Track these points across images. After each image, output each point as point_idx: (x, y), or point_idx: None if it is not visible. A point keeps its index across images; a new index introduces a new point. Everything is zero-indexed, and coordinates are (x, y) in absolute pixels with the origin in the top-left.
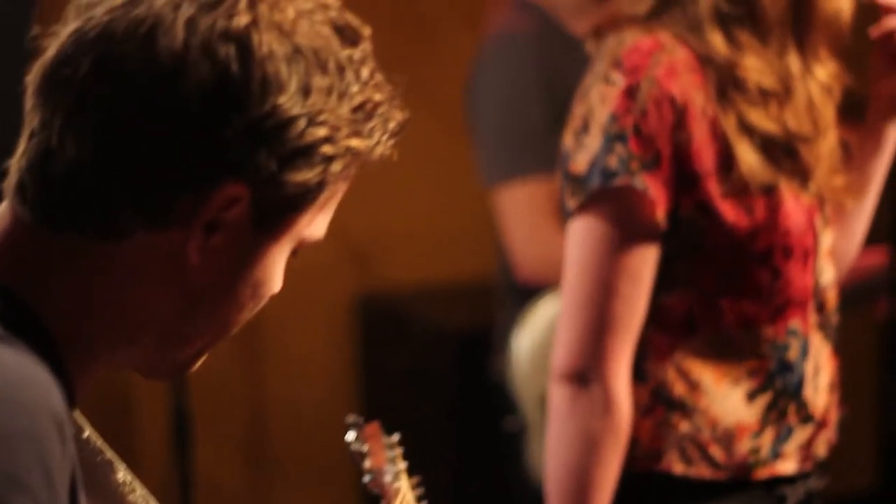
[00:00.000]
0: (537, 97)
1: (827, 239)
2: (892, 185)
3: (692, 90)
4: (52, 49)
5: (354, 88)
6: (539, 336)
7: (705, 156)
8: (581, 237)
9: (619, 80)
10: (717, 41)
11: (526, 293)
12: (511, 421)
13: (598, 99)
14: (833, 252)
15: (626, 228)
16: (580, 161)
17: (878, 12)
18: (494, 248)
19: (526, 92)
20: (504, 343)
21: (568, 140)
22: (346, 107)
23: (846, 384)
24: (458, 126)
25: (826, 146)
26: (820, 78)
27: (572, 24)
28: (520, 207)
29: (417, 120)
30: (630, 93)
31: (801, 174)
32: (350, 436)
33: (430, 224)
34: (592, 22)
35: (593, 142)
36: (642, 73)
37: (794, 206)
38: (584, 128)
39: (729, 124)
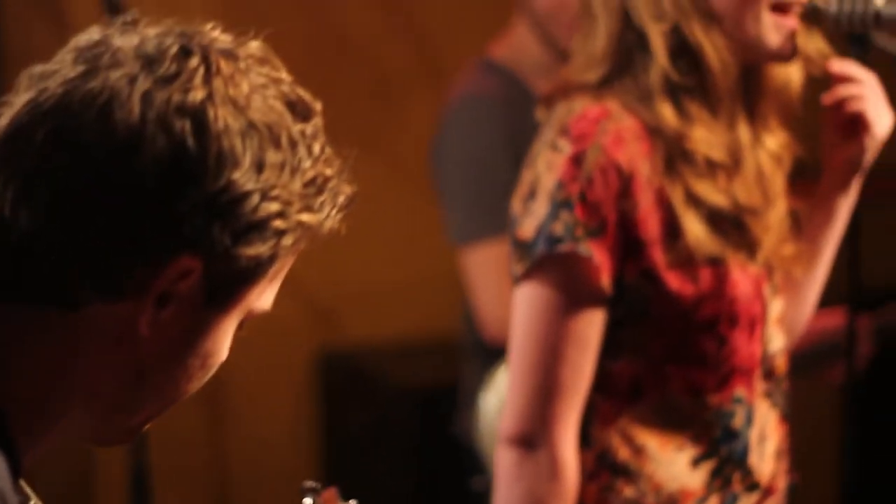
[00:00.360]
0: (504, 158)
1: (776, 307)
2: (850, 246)
3: (639, 159)
4: (4, 118)
5: (306, 164)
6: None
7: (651, 224)
8: (527, 303)
9: (567, 148)
10: (666, 112)
11: (492, 352)
12: (478, 481)
13: (546, 166)
14: (783, 319)
15: (572, 294)
16: (527, 227)
17: (829, 82)
18: (461, 305)
19: (493, 153)
20: (469, 401)
21: (516, 206)
22: (298, 182)
23: (808, 448)
24: (421, 183)
25: (775, 216)
26: (770, 148)
27: (538, 86)
28: (486, 268)
29: (380, 177)
30: (577, 160)
31: (749, 246)
32: (307, 502)
33: (391, 280)
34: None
35: (540, 208)
36: (589, 140)
37: (740, 276)
38: (532, 194)
39: (676, 195)
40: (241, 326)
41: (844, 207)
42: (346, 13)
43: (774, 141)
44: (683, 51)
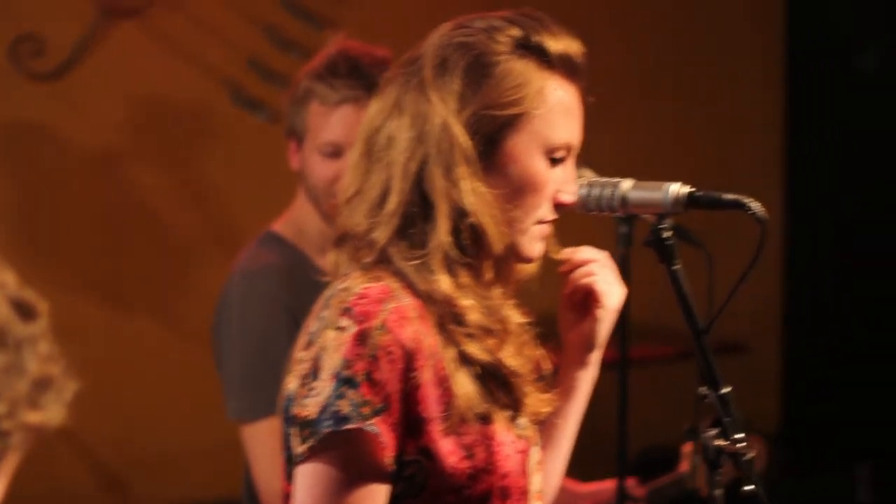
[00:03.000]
0: (285, 332)
1: (536, 482)
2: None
3: (421, 336)
4: None
5: (32, 365)
6: None
7: (431, 400)
8: (311, 481)
9: (351, 327)
10: (442, 281)
11: None
12: None
13: (329, 345)
14: (540, 495)
15: (357, 472)
16: (310, 405)
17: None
18: (242, 478)
19: (273, 327)
20: None
21: (292, 384)
22: (24, 382)
23: None
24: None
25: (534, 381)
26: (520, 320)
27: (319, 260)
28: (264, 442)
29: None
30: (361, 339)
31: (514, 406)
32: None
33: (180, 446)
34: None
35: (324, 386)
36: (373, 319)
37: (509, 447)
38: (314, 373)
39: (448, 357)
40: None
41: (585, 383)
42: (140, 180)
43: (518, 314)
44: (468, 228)
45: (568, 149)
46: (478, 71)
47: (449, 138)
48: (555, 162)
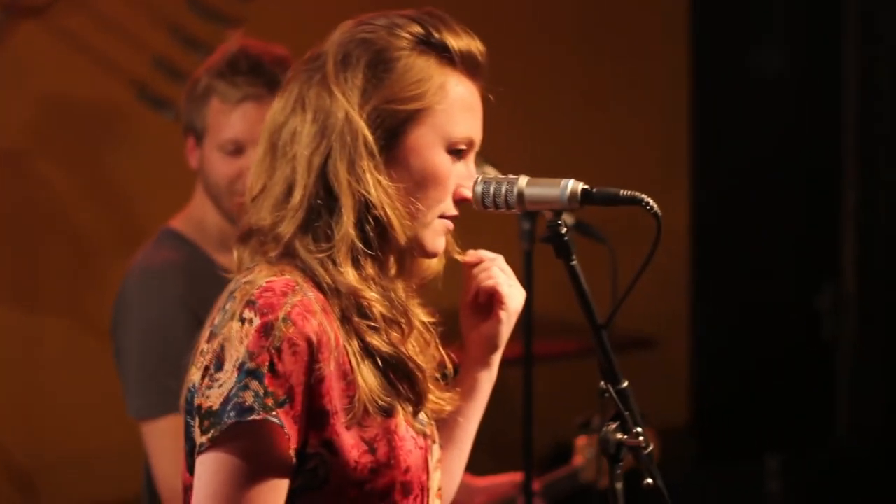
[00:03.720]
0: (184, 329)
1: (437, 479)
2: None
3: (325, 329)
4: None
5: None
6: None
7: (335, 393)
8: (212, 470)
9: (255, 319)
10: (348, 273)
11: None
12: None
13: (233, 336)
14: (440, 493)
15: (260, 463)
16: (213, 396)
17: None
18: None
19: (172, 324)
20: None
21: (195, 376)
22: None
23: None
24: None
25: (430, 365)
26: (422, 318)
27: (218, 256)
28: (166, 442)
29: (78, 340)
30: (265, 331)
31: (416, 400)
32: None
33: (88, 448)
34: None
35: (228, 378)
36: (277, 312)
37: (411, 443)
38: (218, 364)
39: (352, 348)
40: None
41: (486, 382)
42: (47, 179)
43: (421, 310)
44: (373, 221)
45: (469, 144)
46: (379, 66)
47: (352, 132)
48: (456, 156)
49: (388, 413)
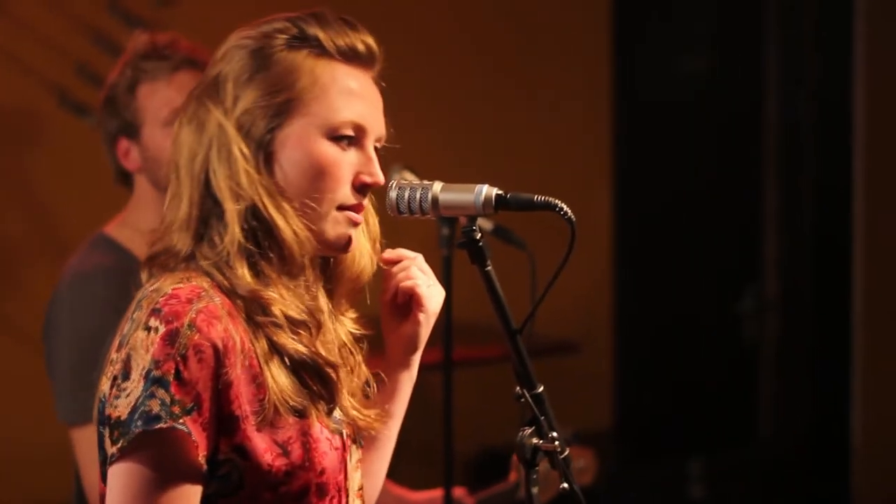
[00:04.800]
0: (113, 333)
1: (356, 480)
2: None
3: (231, 334)
4: None
5: None
6: None
7: (244, 398)
8: (123, 481)
9: (159, 327)
10: (243, 274)
11: None
12: None
13: (139, 345)
14: (360, 493)
15: (168, 471)
16: (120, 406)
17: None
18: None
19: (103, 329)
20: None
21: (104, 386)
22: None
23: None
24: (41, 353)
25: (355, 383)
26: (348, 326)
27: None
28: (95, 448)
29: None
30: (170, 339)
31: (329, 397)
32: None
33: (14, 454)
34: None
35: (134, 387)
36: (182, 319)
37: (326, 444)
38: (125, 373)
39: (260, 348)
40: None
41: (407, 384)
42: None
43: (350, 322)
44: (259, 221)
45: (357, 129)
46: (251, 67)
47: (224, 137)
48: (342, 142)
49: (301, 414)
